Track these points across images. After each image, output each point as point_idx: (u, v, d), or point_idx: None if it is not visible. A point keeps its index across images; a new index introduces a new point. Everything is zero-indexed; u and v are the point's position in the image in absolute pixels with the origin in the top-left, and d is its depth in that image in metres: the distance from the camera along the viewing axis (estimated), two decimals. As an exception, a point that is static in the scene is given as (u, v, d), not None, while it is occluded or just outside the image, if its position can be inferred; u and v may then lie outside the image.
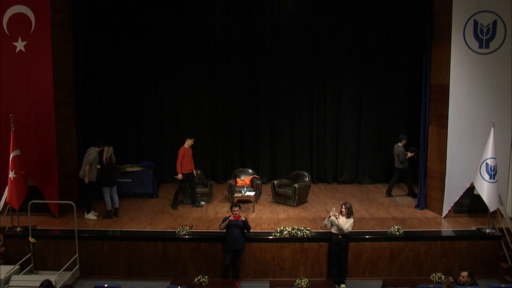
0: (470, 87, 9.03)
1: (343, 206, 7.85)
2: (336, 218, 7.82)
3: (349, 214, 7.85)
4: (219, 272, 8.16)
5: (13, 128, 8.33)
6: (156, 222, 9.11)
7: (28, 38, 8.93)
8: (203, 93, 12.04)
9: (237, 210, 7.79)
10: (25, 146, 8.76)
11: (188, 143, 9.93)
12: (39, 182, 9.16)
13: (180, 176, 9.76)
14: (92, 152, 9.30)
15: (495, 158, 8.32)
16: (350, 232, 7.92)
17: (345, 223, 7.79)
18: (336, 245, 7.88)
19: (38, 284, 5.99)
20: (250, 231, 8.55)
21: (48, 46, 8.95)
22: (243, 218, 7.77)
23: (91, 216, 9.36)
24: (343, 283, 8.02)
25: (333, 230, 7.88)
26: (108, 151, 9.33)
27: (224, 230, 7.86)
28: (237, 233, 7.76)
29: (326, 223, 7.94)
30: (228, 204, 10.14)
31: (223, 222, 7.86)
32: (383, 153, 12.27)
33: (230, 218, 7.77)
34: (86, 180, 9.19)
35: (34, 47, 8.94)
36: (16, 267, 7.88)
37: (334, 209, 7.94)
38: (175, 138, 12.15)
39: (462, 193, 9.21)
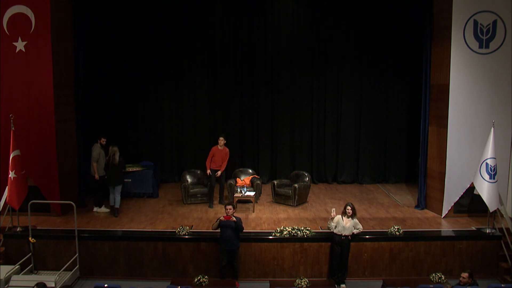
0: (470, 87, 9.03)
1: (348, 207, 7.85)
2: (342, 218, 7.85)
3: (354, 215, 7.86)
4: (219, 272, 8.16)
5: (13, 128, 8.32)
6: (156, 222, 9.11)
7: (28, 38, 8.93)
8: (203, 93, 12.06)
9: (230, 209, 7.69)
10: (25, 146, 8.75)
11: (219, 141, 9.96)
12: (39, 182, 9.16)
13: (208, 172, 9.97)
14: (95, 149, 9.55)
15: (495, 158, 8.32)
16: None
17: (357, 224, 7.88)
18: (339, 245, 7.88)
19: (38, 284, 6.05)
20: (250, 231, 8.58)
21: (48, 46, 8.95)
22: (234, 219, 7.64)
23: (103, 209, 9.64)
24: (343, 283, 8.03)
25: (335, 231, 7.89)
26: (111, 151, 9.40)
27: (218, 230, 7.80)
28: (229, 234, 7.66)
29: (330, 225, 7.93)
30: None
31: (216, 222, 7.83)
32: (383, 153, 12.29)
33: (221, 218, 7.71)
34: (96, 176, 9.49)
35: (34, 47, 8.94)
36: (16, 267, 7.88)
37: (334, 209, 7.94)
38: (175, 138, 12.18)
39: (462, 193, 9.22)
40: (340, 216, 7.90)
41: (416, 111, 11.19)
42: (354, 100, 12.08)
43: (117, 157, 9.40)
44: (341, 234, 7.83)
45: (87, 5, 10.17)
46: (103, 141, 9.68)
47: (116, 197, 9.45)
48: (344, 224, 7.83)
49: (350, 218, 7.84)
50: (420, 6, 10.31)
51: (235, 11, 11.80)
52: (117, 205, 9.49)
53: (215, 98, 12.07)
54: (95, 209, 9.70)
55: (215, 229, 7.79)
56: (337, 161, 12.28)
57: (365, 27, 11.76)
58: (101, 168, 9.54)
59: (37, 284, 6.00)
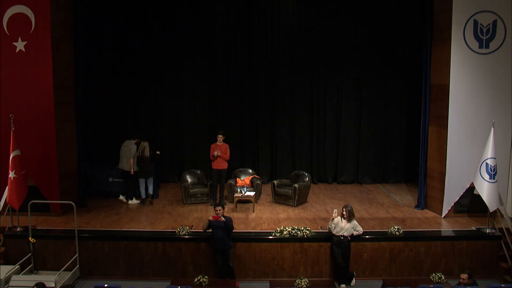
0: (470, 87, 9.03)
1: (344, 209, 7.87)
2: (341, 219, 7.87)
3: (350, 217, 7.88)
4: (216, 272, 8.14)
5: (13, 128, 8.32)
6: (156, 222, 9.11)
7: (28, 38, 8.92)
8: (203, 94, 12.06)
9: (219, 209, 7.70)
10: (25, 146, 8.74)
11: (218, 139, 10.04)
12: (39, 182, 9.16)
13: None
14: (132, 147, 10.21)
15: (495, 158, 8.32)
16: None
17: (356, 227, 7.91)
18: (338, 245, 7.89)
19: (38, 284, 6.03)
20: (250, 231, 8.59)
21: (48, 46, 8.94)
22: (223, 219, 7.67)
23: (134, 201, 10.28)
24: (343, 283, 8.02)
25: (334, 232, 7.90)
26: (141, 146, 10.20)
27: (210, 231, 7.81)
28: (220, 234, 7.69)
29: (330, 226, 7.94)
30: (228, 204, 10.15)
31: (206, 223, 7.85)
32: (383, 153, 12.28)
33: (209, 218, 7.74)
34: (132, 171, 10.12)
35: (34, 47, 8.94)
36: (16, 267, 7.88)
37: (336, 211, 7.94)
38: (175, 138, 12.18)
39: (462, 193, 9.21)
40: (340, 217, 7.93)
41: (416, 111, 11.19)
42: (354, 100, 12.07)
43: (147, 151, 10.13)
44: (340, 235, 7.85)
45: (87, 5, 10.17)
46: (138, 140, 10.32)
47: (148, 187, 10.28)
48: (342, 226, 7.86)
49: (346, 220, 7.87)
50: (420, 6, 10.31)
51: (235, 10, 11.78)
52: (150, 192, 10.31)
53: (215, 99, 12.07)
54: (129, 202, 10.29)
55: (206, 230, 7.83)
56: (337, 161, 12.28)
57: (365, 26, 11.75)
58: (135, 165, 10.19)
59: (36, 284, 5.99)
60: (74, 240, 8.20)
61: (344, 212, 7.86)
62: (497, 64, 8.95)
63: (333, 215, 7.91)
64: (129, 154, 10.14)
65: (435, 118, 9.70)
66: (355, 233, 7.91)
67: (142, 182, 10.27)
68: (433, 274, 8.03)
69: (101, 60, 11.66)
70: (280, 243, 8.24)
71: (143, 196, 10.31)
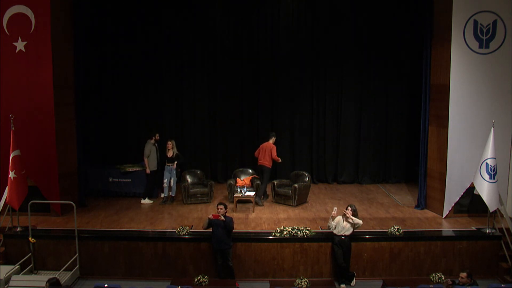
0: (470, 87, 9.03)
1: (349, 208, 7.86)
2: (343, 219, 7.86)
3: (354, 217, 7.87)
4: (216, 272, 8.14)
5: (13, 128, 8.33)
6: (156, 222, 9.11)
7: (28, 38, 8.92)
8: (203, 93, 12.06)
9: (221, 208, 7.70)
10: (25, 146, 8.75)
11: (273, 140, 10.40)
12: (39, 182, 9.16)
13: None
14: (146, 145, 10.30)
15: (495, 158, 8.32)
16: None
17: (357, 221, 7.89)
18: (339, 245, 7.88)
19: (38, 284, 5.97)
20: (250, 231, 8.58)
21: (48, 46, 8.94)
22: (222, 218, 7.66)
23: (147, 201, 10.36)
24: (344, 283, 8.02)
25: (335, 231, 7.89)
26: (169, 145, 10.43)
27: (210, 230, 7.81)
28: (220, 233, 7.69)
29: (330, 224, 7.94)
30: (228, 204, 10.13)
31: (206, 221, 7.86)
32: (383, 153, 12.28)
33: (209, 216, 7.75)
34: (148, 170, 10.28)
35: (34, 47, 8.94)
36: (16, 267, 7.88)
37: (336, 209, 7.94)
38: (175, 138, 12.14)
39: (462, 193, 9.21)
40: (341, 217, 7.92)
41: (416, 111, 11.19)
42: (354, 100, 12.07)
43: (169, 152, 10.30)
44: (341, 235, 7.84)
45: (87, 4, 10.17)
46: (158, 136, 10.41)
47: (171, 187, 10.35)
48: (343, 225, 7.85)
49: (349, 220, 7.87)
50: (420, 6, 10.31)
51: (235, 8, 11.78)
52: (172, 193, 10.39)
53: (215, 98, 12.07)
54: (142, 201, 10.36)
55: (206, 228, 7.83)
56: (337, 161, 12.28)
57: (365, 27, 11.77)
58: (152, 164, 10.30)
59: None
60: (74, 240, 8.20)
61: (349, 211, 7.84)
62: (497, 64, 8.95)
63: (333, 213, 7.90)
64: (144, 153, 10.30)
65: (435, 118, 9.70)
66: (356, 226, 7.90)
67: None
68: (433, 274, 8.04)
69: (101, 60, 11.66)
70: (280, 243, 8.24)
71: (166, 194, 10.48)
